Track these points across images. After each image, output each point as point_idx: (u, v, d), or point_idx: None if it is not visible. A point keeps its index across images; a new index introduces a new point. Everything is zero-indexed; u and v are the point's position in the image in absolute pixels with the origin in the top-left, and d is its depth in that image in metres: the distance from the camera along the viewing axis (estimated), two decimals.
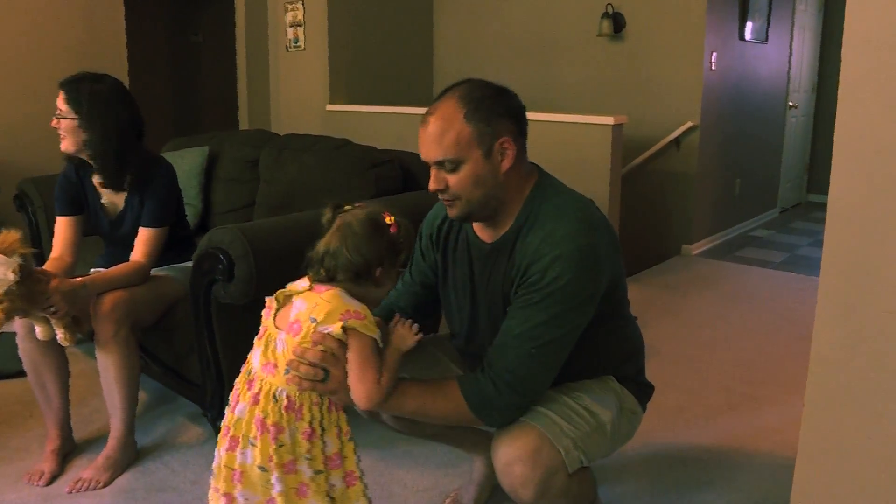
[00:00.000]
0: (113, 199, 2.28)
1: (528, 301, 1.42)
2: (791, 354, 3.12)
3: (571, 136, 3.90)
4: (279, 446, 1.34)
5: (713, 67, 4.73)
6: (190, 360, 2.19)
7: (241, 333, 2.07)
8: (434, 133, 1.42)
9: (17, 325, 2.10)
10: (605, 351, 1.60)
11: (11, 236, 1.81)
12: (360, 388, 1.35)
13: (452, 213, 1.48)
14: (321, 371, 1.33)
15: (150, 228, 2.22)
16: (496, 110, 1.42)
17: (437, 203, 1.71)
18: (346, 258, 1.34)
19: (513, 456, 1.44)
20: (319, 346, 1.32)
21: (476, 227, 1.57)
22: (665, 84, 4.75)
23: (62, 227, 2.27)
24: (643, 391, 1.73)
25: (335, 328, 1.31)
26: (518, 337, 1.42)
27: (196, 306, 2.04)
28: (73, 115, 2.11)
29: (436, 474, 2.13)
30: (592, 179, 3.83)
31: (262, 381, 1.36)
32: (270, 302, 1.43)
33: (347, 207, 1.41)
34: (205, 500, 1.99)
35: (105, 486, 2.06)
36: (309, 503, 1.37)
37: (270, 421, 1.34)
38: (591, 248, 1.41)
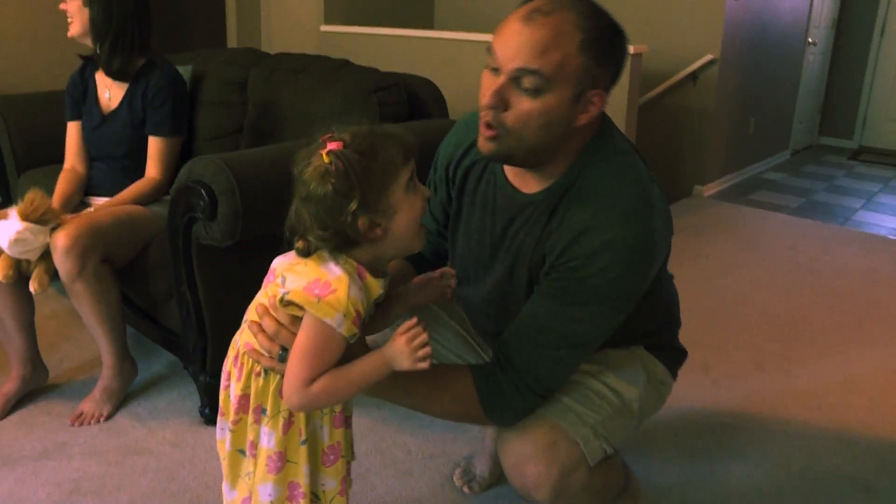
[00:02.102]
0: (112, 93, 2.12)
1: (563, 289, 1.14)
2: (820, 310, 2.92)
3: None
4: (228, 396, 1.13)
5: None
6: (168, 306, 1.95)
7: (225, 279, 1.83)
8: (537, 38, 1.05)
9: None
10: (636, 324, 1.30)
11: (42, 202, 1.83)
12: (286, 380, 1.03)
13: (488, 146, 1.14)
14: (278, 347, 1.05)
15: (160, 137, 2.09)
16: (611, 54, 1.10)
17: (456, 126, 1.39)
18: (310, 226, 1.00)
19: (523, 453, 1.20)
20: (279, 315, 1.05)
21: (511, 169, 1.26)
22: (684, 14, 4.41)
23: (72, 133, 2.21)
24: (675, 358, 1.49)
25: (291, 296, 1.01)
26: (545, 332, 1.15)
27: (174, 247, 1.78)
28: None
29: (444, 439, 1.93)
30: (608, 112, 3.53)
31: None
32: None
33: (328, 137, 1.01)
34: (185, 465, 1.79)
35: (108, 417, 1.97)
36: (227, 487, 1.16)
37: (227, 366, 1.13)
38: (649, 235, 1.12)
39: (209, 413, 1.94)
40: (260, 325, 1.07)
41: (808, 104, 6.36)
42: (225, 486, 1.18)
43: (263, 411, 1.09)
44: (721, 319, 2.79)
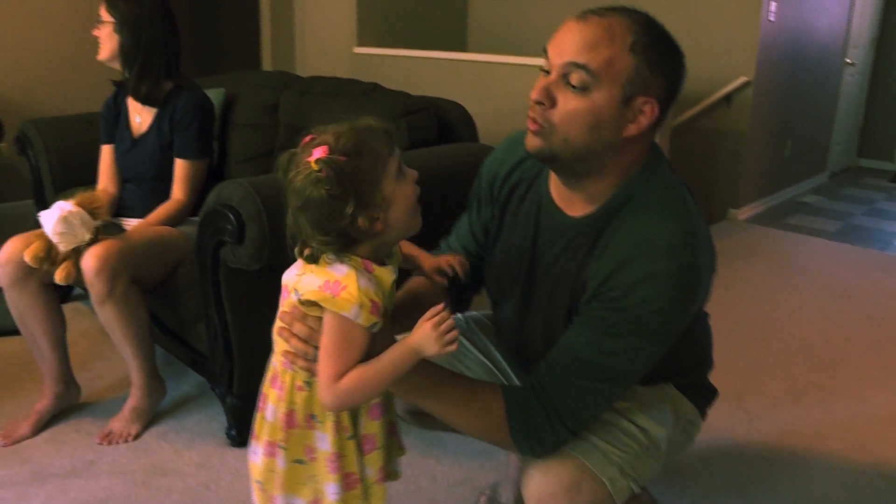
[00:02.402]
0: (142, 117, 2.16)
1: (603, 320, 1.11)
2: (857, 338, 2.84)
3: None
4: (264, 419, 1.13)
5: (771, 18, 4.34)
6: (197, 328, 1.96)
7: (252, 302, 1.84)
8: (588, 35, 1.07)
9: (2, 275, 1.92)
10: (668, 361, 1.25)
11: (100, 199, 1.94)
12: (318, 381, 1.04)
13: (533, 143, 1.13)
14: (312, 348, 1.05)
15: (186, 160, 2.12)
16: (664, 64, 1.10)
17: (504, 142, 1.37)
18: (311, 233, 1.00)
19: (547, 490, 1.16)
20: (307, 321, 1.05)
21: (556, 188, 1.23)
22: (719, 35, 4.37)
23: (105, 156, 2.27)
24: (705, 397, 1.44)
25: (307, 295, 1.02)
26: (582, 363, 1.12)
27: (203, 270, 1.80)
28: (109, 18, 2.08)
29: (469, 466, 1.90)
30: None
31: None
32: None
33: (310, 140, 1.01)
34: (210, 487, 1.80)
35: (136, 437, 1.99)
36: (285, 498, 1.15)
37: (263, 389, 1.14)
38: (694, 270, 1.09)
39: (235, 435, 1.94)
40: (290, 331, 1.07)
41: (847, 125, 6.25)
42: (282, 500, 1.18)
43: (314, 417, 1.11)
44: (755, 347, 2.73)
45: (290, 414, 1.11)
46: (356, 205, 0.98)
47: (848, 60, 5.78)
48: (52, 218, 1.82)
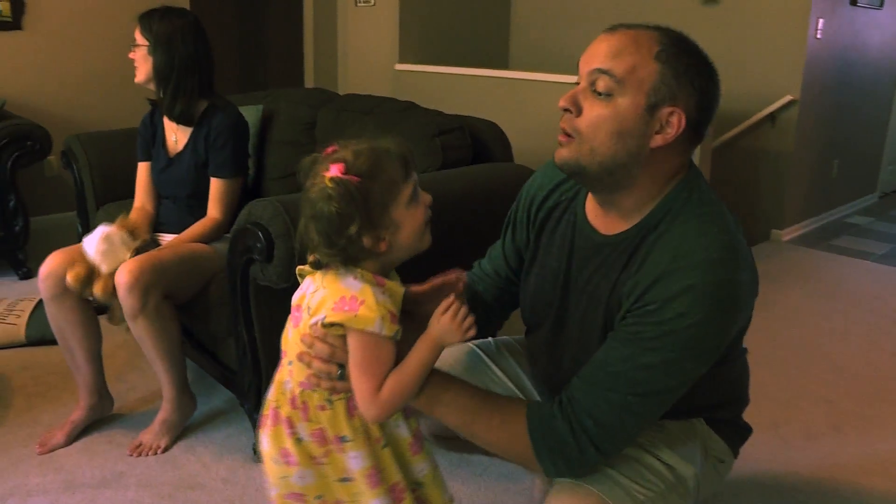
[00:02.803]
0: (177, 136, 2.20)
1: (637, 334, 1.08)
2: None
3: None
4: (298, 441, 1.13)
5: (819, 36, 4.24)
6: (227, 344, 1.98)
7: (281, 320, 1.81)
8: (613, 44, 1.10)
9: (43, 288, 1.96)
10: (700, 395, 1.23)
11: (139, 222, 2.08)
12: (359, 399, 1.07)
13: (561, 154, 1.13)
14: (335, 367, 1.07)
15: (220, 179, 2.14)
16: (692, 76, 1.09)
17: (544, 166, 1.38)
18: (318, 244, 1.04)
19: None
20: (328, 340, 1.07)
21: (592, 208, 1.23)
22: (763, 53, 4.29)
23: (142, 174, 2.30)
24: (738, 435, 1.40)
25: (328, 315, 1.04)
26: (615, 376, 1.09)
27: (233, 287, 1.82)
28: (143, 41, 2.11)
29: (495, 489, 1.88)
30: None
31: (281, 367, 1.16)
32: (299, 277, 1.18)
33: (330, 153, 1.05)
34: (235, 502, 1.81)
35: (165, 450, 2.01)
36: None
37: (283, 413, 1.14)
38: (733, 286, 1.06)
39: None
40: (310, 354, 1.08)
41: None
42: None
43: (343, 439, 1.11)
44: (795, 373, 2.65)
45: (318, 433, 1.12)
46: (362, 225, 1.02)
47: None
48: (95, 239, 1.89)
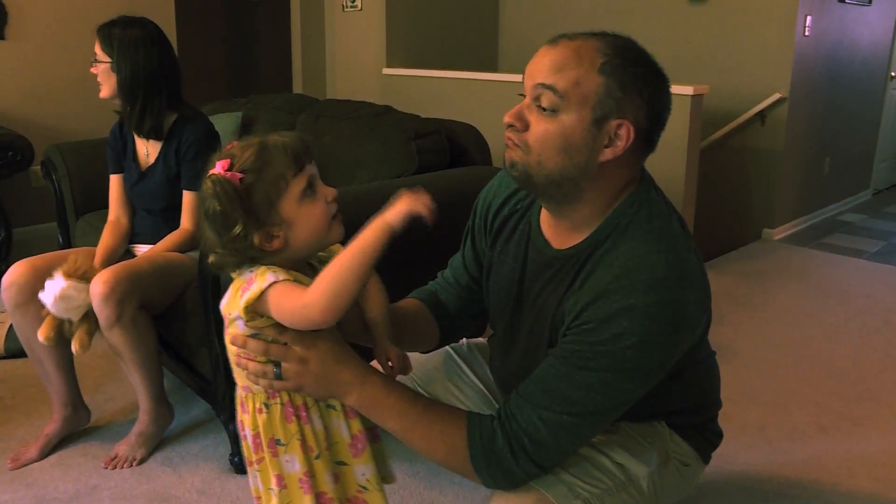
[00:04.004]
0: (149, 149, 2.15)
1: (574, 353, 1.06)
2: (894, 365, 2.71)
3: None
4: (247, 444, 1.13)
5: (807, 33, 4.22)
6: (202, 353, 1.96)
7: None
8: (555, 58, 1.06)
9: (6, 298, 1.94)
10: (663, 399, 1.22)
11: (84, 261, 1.91)
12: (302, 320, 1.00)
13: (511, 157, 1.11)
14: (271, 366, 1.05)
15: (193, 192, 2.09)
16: (639, 86, 1.06)
17: (499, 175, 1.36)
18: (214, 244, 1.02)
19: None
20: (263, 334, 1.04)
21: (545, 219, 1.21)
22: (751, 52, 4.27)
23: (114, 186, 2.25)
24: (707, 440, 1.37)
25: (240, 312, 1.00)
26: (551, 395, 1.07)
27: (204, 296, 1.79)
28: (105, 58, 2.04)
29: (474, 498, 1.85)
30: (668, 154, 3.45)
31: None
32: None
33: (224, 152, 1.03)
34: None
35: (142, 462, 1.98)
36: None
37: (238, 416, 1.14)
38: (677, 307, 1.03)
39: (238, 461, 1.93)
40: (244, 356, 1.07)
41: (892, 141, 6.05)
42: None
43: (277, 442, 1.09)
44: (782, 374, 2.62)
45: (255, 437, 1.10)
46: (248, 223, 0.99)
47: (893, 74, 5.61)
48: (49, 300, 1.82)
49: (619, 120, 1.05)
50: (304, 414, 1.09)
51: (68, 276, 1.84)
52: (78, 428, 2.10)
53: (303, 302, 0.97)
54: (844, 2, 4.57)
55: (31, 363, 2.05)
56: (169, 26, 4.33)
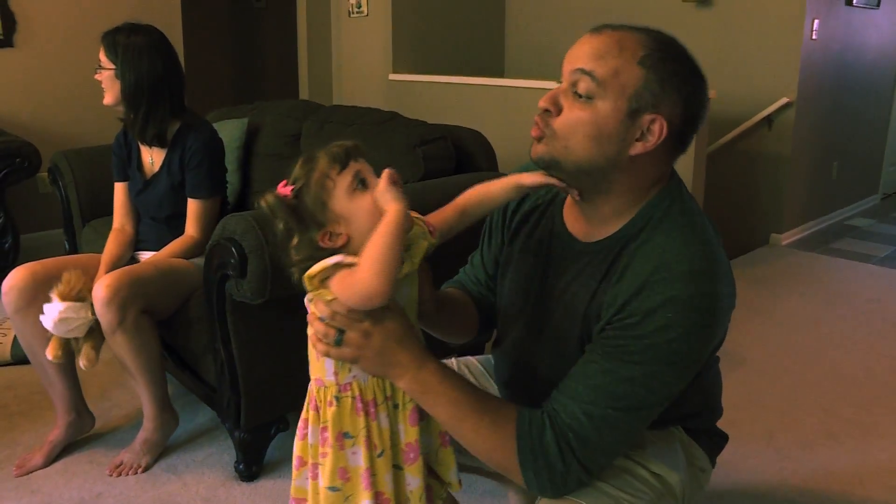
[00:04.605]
0: (153, 157, 2.15)
1: (618, 347, 1.05)
2: None
3: None
4: (307, 444, 1.12)
5: (814, 37, 4.21)
6: (207, 360, 1.95)
7: (258, 336, 1.83)
8: (597, 46, 1.06)
9: (6, 302, 1.94)
10: (675, 405, 1.18)
11: (77, 281, 1.89)
12: (356, 296, 1.01)
13: (536, 150, 1.10)
14: (334, 331, 1.04)
15: (197, 200, 2.10)
16: (677, 83, 1.05)
17: (518, 169, 1.32)
18: (292, 259, 1.05)
19: None
20: (329, 306, 1.04)
21: (570, 214, 1.20)
22: (758, 55, 4.26)
23: (119, 194, 2.25)
24: (715, 443, 1.36)
25: (305, 282, 1.04)
26: (596, 390, 1.05)
27: (209, 303, 1.79)
28: (109, 65, 2.04)
29: None
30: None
31: None
32: None
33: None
34: None
35: (146, 469, 1.99)
36: None
37: (303, 416, 1.13)
38: (714, 298, 1.03)
39: (243, 469, 1.93)
40: (315, 316, 1.07)
41: None
42: None
43: (346, 435, 1.09)
44: (790, 380, 2.60)
45: (323, 431, 1.10)
46: (310, 227, 1.03)
47: None
48: (50, 324, 1.84)
49: (653, 115, 1.04)
50: (372, 410, 1.10)
51: (63, 298, 1.85)
52: (82, 434, 2.10)
53: (354, 280, 1.00)
54: (852, 5, 4.55)
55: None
56: (175, 33, 4.34)
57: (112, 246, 2.14)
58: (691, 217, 1.10)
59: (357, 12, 4.99)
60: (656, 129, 1.05)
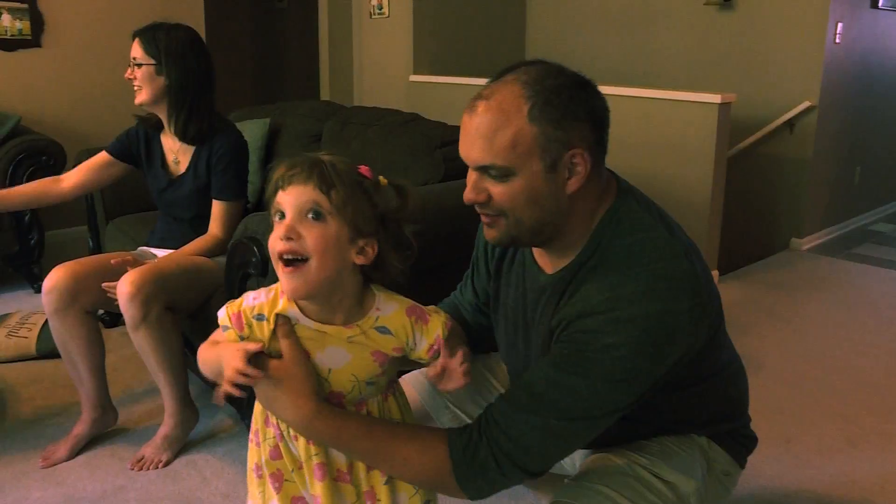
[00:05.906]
0: (179, 157, 2.16)
1: (564, 358, 1.07)
2: None
3: (673, 115, 3.49)
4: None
5: (838, 40, 4.17)
6: None
7: None
8: (483, 126, 1.05)
9: (46, 303, 1.96)
10: (690, 413, 1.22)
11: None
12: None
13: (492, 235, 1.13)
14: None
15: (223, 202, 2.12)
16: (573, 110, 1.05)
17: None
18: None
19: None
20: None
21: (537, 250, 1.24)
22: (780, 59, 4.23)
23: (95, 158, 2.25)
24: (743, 445, 1.36)
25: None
26: (538, 398, 1.07)
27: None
28: (149, 60, 2.03)
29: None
30: (694, 163, 3.42)
31: None
32: None
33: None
34: None
35: (167, 464, 2.01)
36: None
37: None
38: (665, 317, 1.03)
39: None
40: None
41: None
42: None
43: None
44: (810, 386, 2.58)
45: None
46: (349, 227, 1.09)
47: None
48: None
49: (570, 152, 1.05)
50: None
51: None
52: (105, 429, 2.13)
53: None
54: (878, 7, 4.51)
55: (63, 364, 2.08)
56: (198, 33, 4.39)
57: (36, 183, 2.20)
58: (641, 234, 1.10)
59: (378, 14, 5.01)
60: (580, 161, 1.07)
